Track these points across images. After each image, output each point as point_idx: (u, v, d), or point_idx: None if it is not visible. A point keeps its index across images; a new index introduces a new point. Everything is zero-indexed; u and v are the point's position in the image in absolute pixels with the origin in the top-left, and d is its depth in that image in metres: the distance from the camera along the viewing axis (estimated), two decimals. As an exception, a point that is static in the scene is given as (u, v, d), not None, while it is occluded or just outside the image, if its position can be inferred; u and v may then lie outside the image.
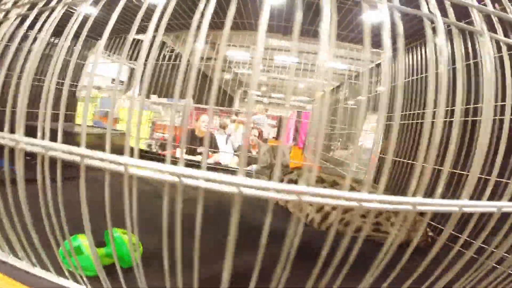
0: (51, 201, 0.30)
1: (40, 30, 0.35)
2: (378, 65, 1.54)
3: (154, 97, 3.62)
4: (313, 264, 0.27)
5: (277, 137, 3.31)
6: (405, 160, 0.98)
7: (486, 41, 0.25)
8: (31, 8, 0.39)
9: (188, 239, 0.25)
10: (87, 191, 0.29)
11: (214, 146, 2.47)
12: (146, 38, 0.27)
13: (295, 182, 0.81)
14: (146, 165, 0.23)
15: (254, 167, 1.79)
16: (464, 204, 0.29)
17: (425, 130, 0.26)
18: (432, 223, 0.76)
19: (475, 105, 0.71)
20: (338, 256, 0.24)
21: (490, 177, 0.33)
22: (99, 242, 0.44)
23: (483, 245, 0.38)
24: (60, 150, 0.28)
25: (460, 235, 0.35)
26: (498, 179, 0.32)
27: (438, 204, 0.27)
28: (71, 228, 0.33)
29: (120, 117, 2.97)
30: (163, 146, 2.62)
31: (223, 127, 3.88)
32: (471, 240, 0.37)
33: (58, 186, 0.30)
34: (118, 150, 0.29)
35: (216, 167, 1.67)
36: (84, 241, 0.41)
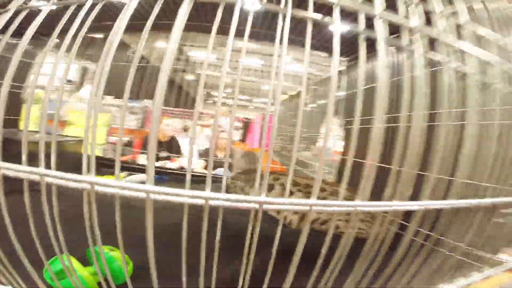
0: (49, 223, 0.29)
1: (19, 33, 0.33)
2: (340, 72, 1.66)
3: (109, 99, 3.39)
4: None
5: (242, 140, 3.35)
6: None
7: (448, 72, 0.32)
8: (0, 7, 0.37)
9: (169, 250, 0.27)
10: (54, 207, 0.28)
11: (176, 151, 2.41)
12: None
13: (272, 186, 0.85)
14: (170, 191, 0.24)
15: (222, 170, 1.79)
16: (427, 204, 0.35)
17: (400, 137, 0.32)
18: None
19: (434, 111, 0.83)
20: (335, 258, 0.28)
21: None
22: (82, 260, 0.43)
23: (440, 237, 0.46)
24: (59, 177, 0.27)
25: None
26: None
27: (409, 204, 0.33)
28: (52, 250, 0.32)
29: (70, 120, 2.74)
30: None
31: (185, 130, 3.79)
32: (429, 232, 0.44)
33: (55, 215, 0.29)
34: (76, 160, 0.28)
35: (182, 173, 1.62)
36: (73, 261, 0.40)
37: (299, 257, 0.27)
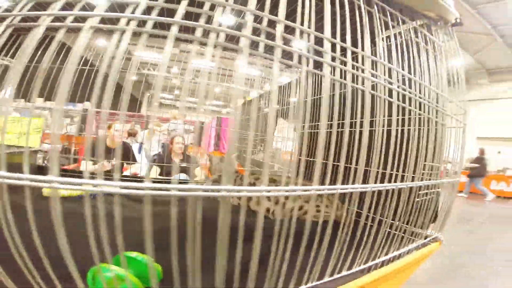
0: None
1: None
2: (296, 80, 1.91)
3: (39, 101, 3.11)
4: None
5: (198, 144, 3.41)
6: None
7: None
8: None
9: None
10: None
11: (128, 157, 2.40)
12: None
13: (254, 184, 1.03)
14: (219, 188, 0.38)
15: (178, 175, 1.88)
16: (361, 186, 0.57)
17: (345, 138, 0.52)
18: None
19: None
20: (317, 233, 0.47)
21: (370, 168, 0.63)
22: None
23: (381, 218, 0.68)
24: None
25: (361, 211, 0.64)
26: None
27: (354, 187, 0.54)
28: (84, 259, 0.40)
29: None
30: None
31: (132, 134, 3.68)
32: (374, 215, 0.66)
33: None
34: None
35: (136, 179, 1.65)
36: (119, 269, 0.45)
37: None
